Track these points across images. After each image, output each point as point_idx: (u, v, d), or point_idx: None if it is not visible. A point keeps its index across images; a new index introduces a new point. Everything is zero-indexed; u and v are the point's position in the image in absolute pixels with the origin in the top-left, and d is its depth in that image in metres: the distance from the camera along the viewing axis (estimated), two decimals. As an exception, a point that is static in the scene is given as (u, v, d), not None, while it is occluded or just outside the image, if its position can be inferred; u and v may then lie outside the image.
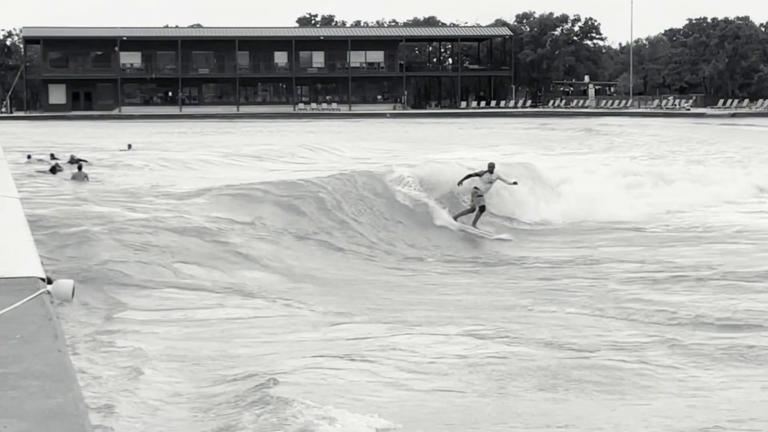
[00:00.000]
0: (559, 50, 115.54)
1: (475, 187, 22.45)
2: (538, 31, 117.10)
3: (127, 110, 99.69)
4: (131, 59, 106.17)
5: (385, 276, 17.55)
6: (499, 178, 22.72)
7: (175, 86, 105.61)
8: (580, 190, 27.02)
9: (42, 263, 7.31)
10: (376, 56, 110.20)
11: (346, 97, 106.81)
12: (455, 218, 22.61)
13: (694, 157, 40.40)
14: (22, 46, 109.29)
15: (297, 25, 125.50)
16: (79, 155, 32.77)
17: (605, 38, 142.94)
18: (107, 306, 13.48)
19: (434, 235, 21.71)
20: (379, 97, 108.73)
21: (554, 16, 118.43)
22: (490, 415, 9.26)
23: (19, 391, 4.42)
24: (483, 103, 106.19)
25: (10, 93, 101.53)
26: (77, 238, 15.98)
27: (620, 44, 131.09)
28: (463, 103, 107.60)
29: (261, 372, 10.08)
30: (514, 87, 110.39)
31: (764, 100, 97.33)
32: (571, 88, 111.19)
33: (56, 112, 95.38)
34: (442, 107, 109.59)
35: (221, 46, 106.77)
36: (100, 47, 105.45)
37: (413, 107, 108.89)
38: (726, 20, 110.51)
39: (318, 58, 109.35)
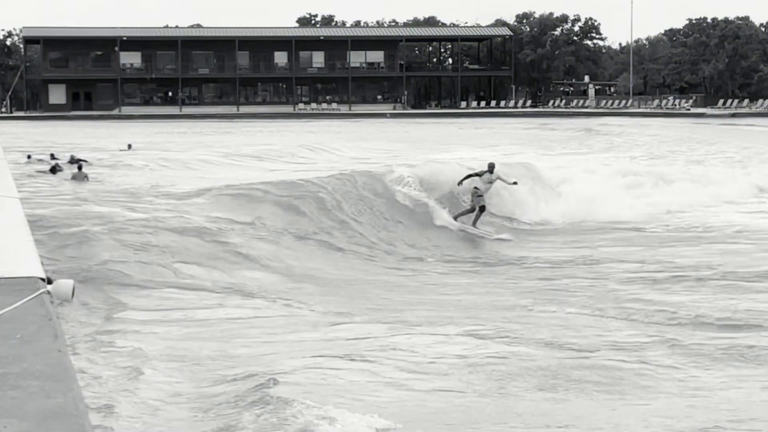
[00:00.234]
0: (559, 50, 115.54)
1: (475, 187, 22.45)
2: (538, 31, 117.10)
3: (127, 110, 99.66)
4: (131, 59, 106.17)
5: (385, 276, 17.55)
6: (499, 178, 22.71)
7: (175, 86, 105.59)
8: (580, 190, 27.01)
9: (42, 263, 7.31)
10: (376, 56, 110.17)
11: (346, 97, 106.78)
12: (455, 218, 22.60)
13: (694, 157, 40.38)
14: (22, 46, 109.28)
15: (297, 25, 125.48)
16: (79, 155, 32.75)
17: (605, 38, 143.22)
18: (107, 306, 13.48)
19: (434, 235, 21.71)
20: (379, 97, 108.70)
21: (554, 16, 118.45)
22: (490, 415, 9.26)
23: (19, 391, 4.41)
24: (483, 103, 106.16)
25: (10, 93, 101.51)
26: (77, 238, 15.98)
27: (620, 44, 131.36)
28: (463, 103, 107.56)
29: (261, 372, 10.08)
30: (514, 87, 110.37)
31: (764, 100, 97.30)
32: (571, 88, 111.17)
33: (56, 112, 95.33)
34: (442, 107, 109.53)
35: (221, 46, 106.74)
36: (100, 47, 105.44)
37: (413, 107, 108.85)
38: (726, 20, 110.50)
39: (318, 58, 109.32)
